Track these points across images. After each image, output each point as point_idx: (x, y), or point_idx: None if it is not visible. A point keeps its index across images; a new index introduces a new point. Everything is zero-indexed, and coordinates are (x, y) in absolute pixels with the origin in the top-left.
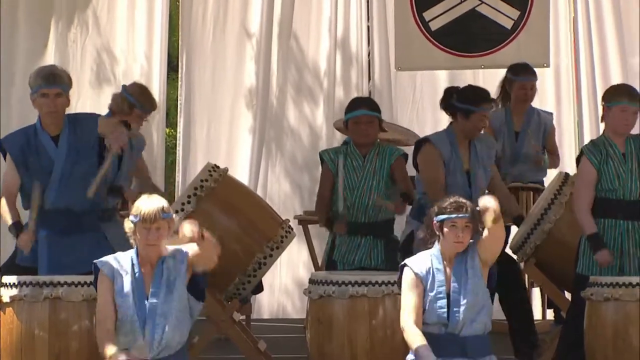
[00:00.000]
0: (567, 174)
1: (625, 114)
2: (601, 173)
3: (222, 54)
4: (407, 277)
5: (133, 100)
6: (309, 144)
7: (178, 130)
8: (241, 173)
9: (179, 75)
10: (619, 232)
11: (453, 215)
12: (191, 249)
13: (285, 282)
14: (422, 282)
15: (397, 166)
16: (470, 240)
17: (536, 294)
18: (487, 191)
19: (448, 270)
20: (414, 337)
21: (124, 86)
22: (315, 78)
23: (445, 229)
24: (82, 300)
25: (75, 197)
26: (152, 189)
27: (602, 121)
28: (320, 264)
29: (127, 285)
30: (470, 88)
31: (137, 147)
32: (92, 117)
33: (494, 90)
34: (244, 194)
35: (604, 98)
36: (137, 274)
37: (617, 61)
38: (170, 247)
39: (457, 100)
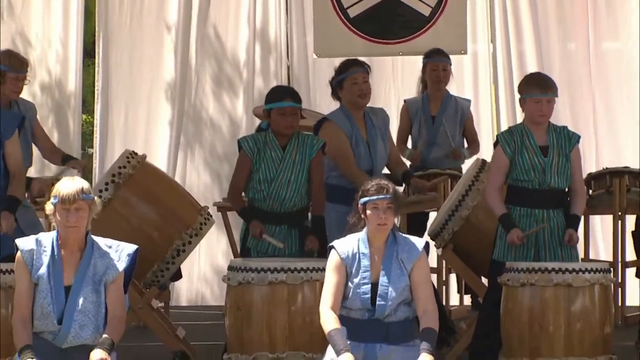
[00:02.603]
0: (484, 161)
1: (539, 104)
2: (515, 162)
3: (140, 42)
4: (332, 259)
5: (1, 67)
6: (229, 134)
7: (95, 117)
8: (159, 163)
9: (96, 62)
10: (534, 220)
11: (374, 197)
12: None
13: (204, 269)
14: (346, 266)
15: (316, 161)
16: (407, 236)
17: (453, 280)
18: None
19: (375, 256)
20: (328, 321)
21: None
22: (234, 68)
23: (368, 211)
24: None
25: None
26: (59, 157)
27: (523, 111)
28: (239, 251)
29: (44, 268)
30: (341, 62)
31: (28, 116)
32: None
33: (413, 78)
34: (162, 181)
35: (518, 89)
36: (56, 257)
37: (532, 48)
38: (106, 242)
39: (332, 79)
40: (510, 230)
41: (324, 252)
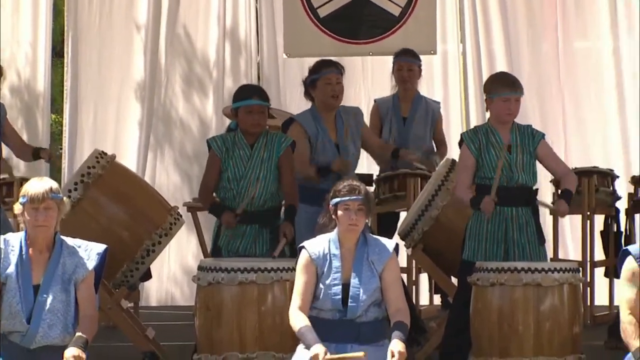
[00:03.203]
0: (453, 160)
1: (507, 103)
2: (481, 161)
3: (109, 42)
4: (302, 259)
5: None
6: (199, 135)
7: (64, 117)
8: (129, 163)
9: (65, 61)
10: (502, 218)
11: (346, 198)
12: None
13: (174, 269)
14: (316, 267)
15: (285, 157)
16: (377, 238)
17: (423, 279)
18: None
19: (346, 257)
20: (297, 320)
21: None
22: (204, 68)
23: (339, 212)
24: None
25: None
26: (30, 153)
27: (487, 110)
28: (209, 251)
29: (12, 267)
30: (315, 62)
31: None
32: None
33: (383, 78)
34: (131, 181)
35: (485, 89)
36: (24, 256)
37: (502, 48)
38: (75, 241)
39: (306, 78)
40: (482, 202)
41: (292, 248)
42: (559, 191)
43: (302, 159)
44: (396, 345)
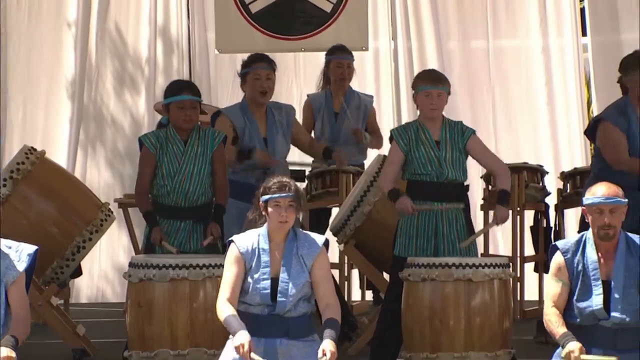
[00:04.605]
0: (385, 157)
1: (429, 98)
2: (411, 157)
3: (39, 38)
4: (231, 253)
5: None
6: (131, 132)
7: None
8: (59, 161)
9: None
10: (433, 214)
11: (276, 195)
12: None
13: (105, 266)
14: (245, 261)
15: (218, 154)
16: (307, 233)
17: (355, 275)
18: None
19: (276, 252)
20: (223, 309)
21: None
22: (136, 66)
23: (269, 209)
24: None
25: None
26: None
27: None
28: (140, 248)
29: None
30: (248, 56)
31: None
32: None
33: (315, 74)
34: (61, 177)
35: (412, 85)
36: None
37: (433, 45)
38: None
39: (239, 72)
40: (399, 198)
41: (224, 246)
42: (489, 188)
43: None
44: (328, 345)
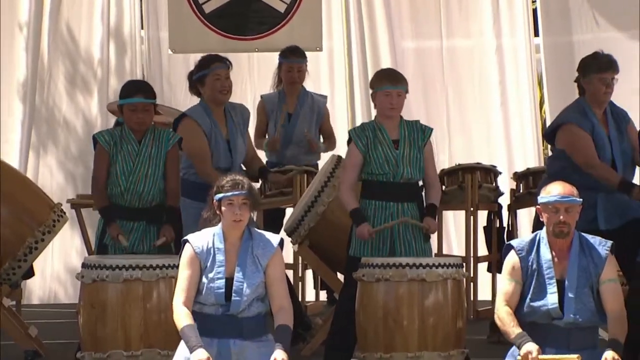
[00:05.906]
0: (339, 157)
1: (388, 97)
2: (369, 157)
3: None
4: (186, 253)
5: None
6: (84, 134)
7: None
8: (10, 163)
9: None
10: (389, 214)
11: (229, 194)
12: None
13: (57, 267)
14: (200, 260)
15: (172, 155)
16: (262, 232)
17: (309, 276)
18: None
19: (231, 251)
20: (181, 317)
21: None
22: (88, 67)
23: (223, 208)
24: None
25: None
26: None
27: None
28: (93, 248)
29: None
30: (202, 57)
31: None
32: None
33: (269, 74)
34: (13, 178)
35: (370, 84)
36: None
37: (386, 45)
38: None
39: (192, 73)
40: (360, 225)
41: (178, 245)
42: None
43: (203, 155)
44: (279, 355)
